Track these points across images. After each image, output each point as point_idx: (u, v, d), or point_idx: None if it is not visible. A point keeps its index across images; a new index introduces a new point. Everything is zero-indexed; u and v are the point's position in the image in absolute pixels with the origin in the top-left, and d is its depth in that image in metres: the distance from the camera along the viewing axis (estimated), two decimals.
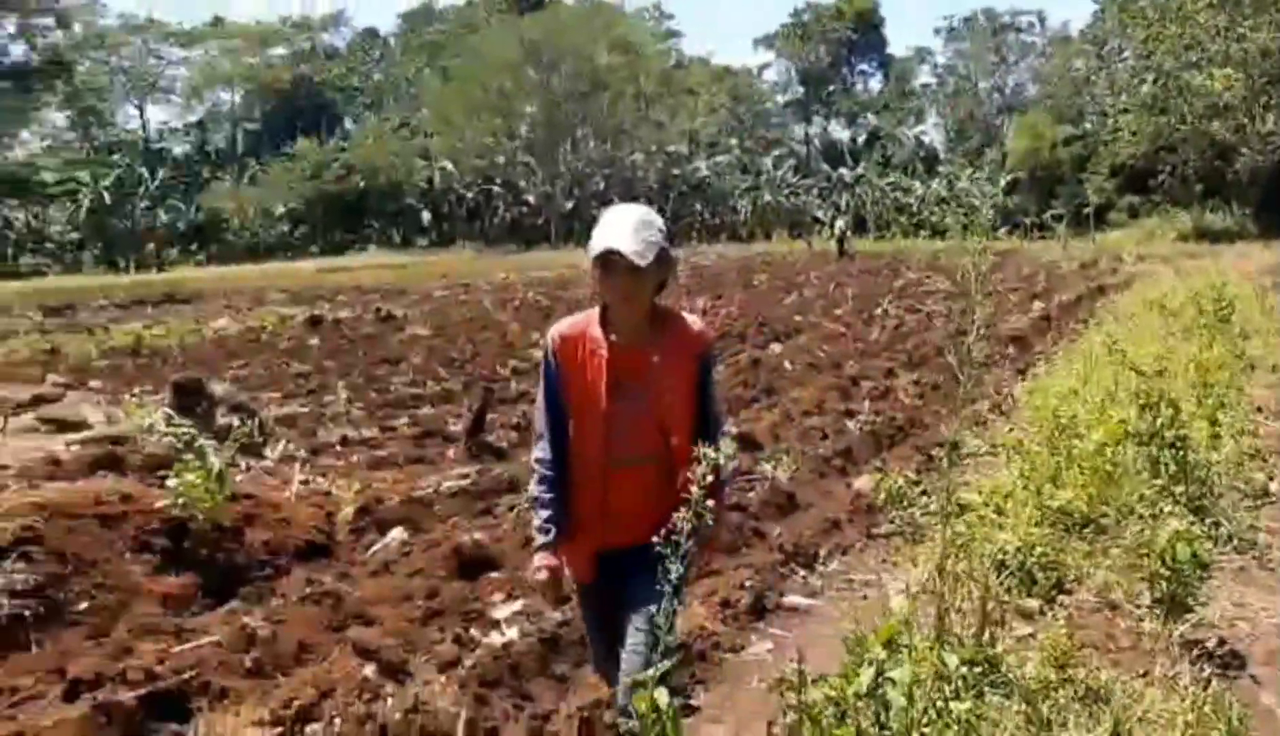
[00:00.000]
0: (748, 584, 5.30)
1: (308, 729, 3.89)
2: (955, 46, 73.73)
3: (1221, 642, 4.29)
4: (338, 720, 3.85)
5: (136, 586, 5.11)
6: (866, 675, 2.84)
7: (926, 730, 2.97)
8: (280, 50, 76.68)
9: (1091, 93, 55.13)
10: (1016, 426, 7.87)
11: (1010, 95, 69.71)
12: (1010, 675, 3.86)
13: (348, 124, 74.30)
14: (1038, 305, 18.49)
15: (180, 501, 5.66)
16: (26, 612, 4.71)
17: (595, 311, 3.06)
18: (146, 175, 60.19)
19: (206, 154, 73.22)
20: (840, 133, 75.99)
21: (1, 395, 9.72)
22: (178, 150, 74.49)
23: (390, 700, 4.05)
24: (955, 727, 3.35)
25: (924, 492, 6.21)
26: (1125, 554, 5.04)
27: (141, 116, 74.73)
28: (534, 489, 3.10)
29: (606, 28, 61.34)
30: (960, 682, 3.73)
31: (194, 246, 60.13)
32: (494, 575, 5.59)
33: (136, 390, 11.01)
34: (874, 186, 59.85)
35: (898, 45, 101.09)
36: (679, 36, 78.13)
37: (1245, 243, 33.37)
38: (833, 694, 3.06)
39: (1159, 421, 5.95)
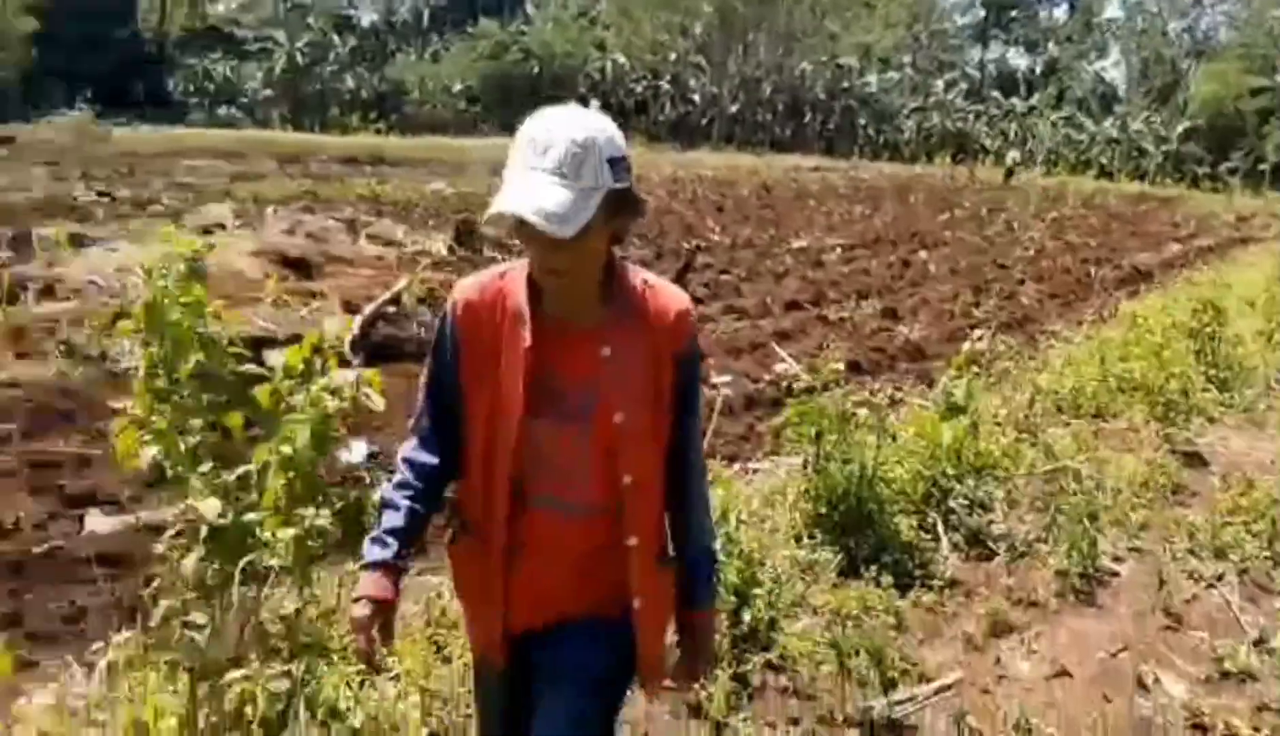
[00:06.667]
0: None
1: None
2: None
3: (1196, 452, 6.42)
4: None
5: None
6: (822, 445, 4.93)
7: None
8: None
9: None
10: (1107, 324, 9.91)
11: (1201, 39, 67.50)
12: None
13: (529, 8, 76.46)
14: (1175, 246, 19.86)
15: None
16: None
17: (522, 267, 2.03)
18: (337, 41, 63.84)
19: (392, 25, 76.59)
20: (1018, 60, 74.96)
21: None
22: (365, 20, 78.19)
23: None
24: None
25: (1015, 352, 8.38)
26: (1149, 400, 7.14)
27: None
28: (386, 489, 2.12)
29: None
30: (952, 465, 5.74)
31: (373, 115, 63.58)
32: None
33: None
34: (1045, 119, 59.35)
35: None
36: None
37: None
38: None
39: (1204, 321, 8.01)
